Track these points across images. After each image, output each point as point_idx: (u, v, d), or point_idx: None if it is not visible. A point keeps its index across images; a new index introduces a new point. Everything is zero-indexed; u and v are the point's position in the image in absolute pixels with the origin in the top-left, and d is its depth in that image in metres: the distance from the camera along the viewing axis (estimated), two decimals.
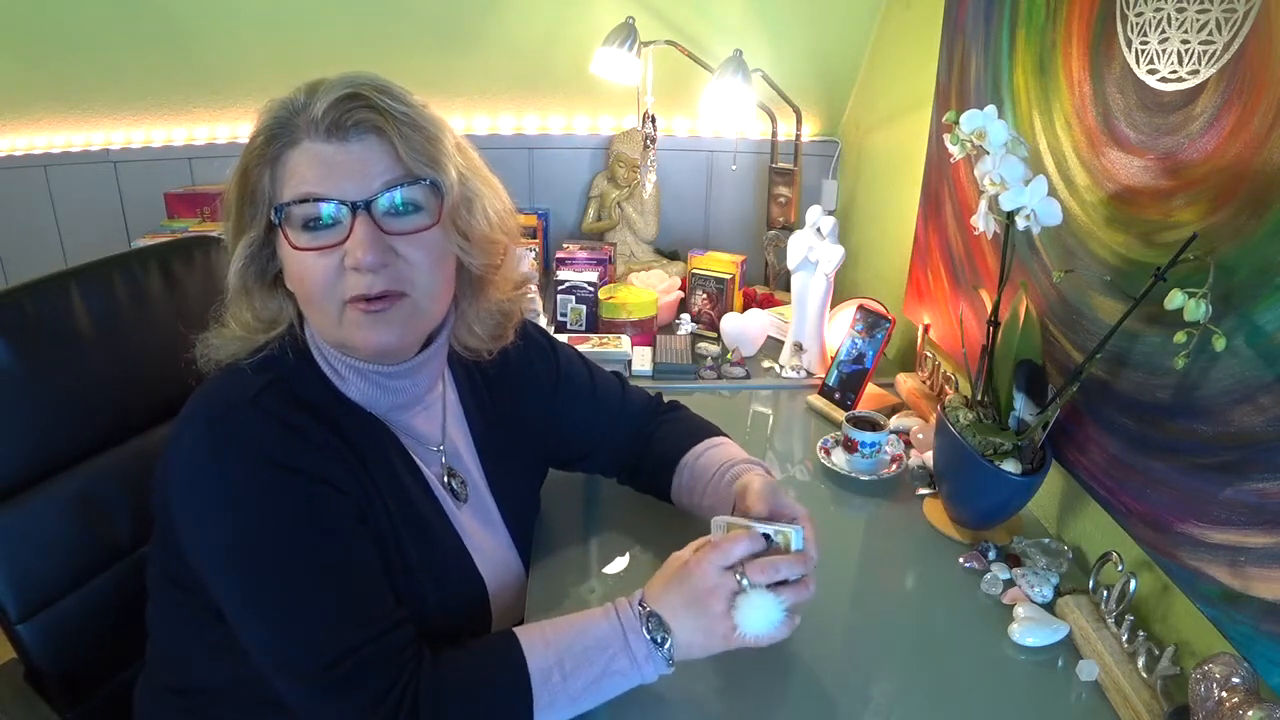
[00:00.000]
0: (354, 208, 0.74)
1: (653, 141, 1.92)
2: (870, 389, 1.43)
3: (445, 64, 2.04)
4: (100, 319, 1.00)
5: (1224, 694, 0.69)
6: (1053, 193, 1.01)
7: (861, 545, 1.12)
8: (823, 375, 1.50)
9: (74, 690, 0.97)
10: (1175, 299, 0.77)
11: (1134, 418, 0.91)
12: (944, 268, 1.41)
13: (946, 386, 1.38)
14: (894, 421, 1.33)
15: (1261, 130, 0.73)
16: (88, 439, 0.99)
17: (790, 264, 1.58)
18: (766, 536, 0.80)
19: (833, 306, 1.59)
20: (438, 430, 0.93)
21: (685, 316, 1.81)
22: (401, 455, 0.87)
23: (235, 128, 2.17)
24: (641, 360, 1.60)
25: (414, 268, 0.78)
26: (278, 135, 0.76)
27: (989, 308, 1.05)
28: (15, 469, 0.93)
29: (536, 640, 0.76)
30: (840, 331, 1.49)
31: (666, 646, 0.76)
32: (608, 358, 1.56)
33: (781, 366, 1.61)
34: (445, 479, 0.91)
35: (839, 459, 1.24)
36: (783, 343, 1.64)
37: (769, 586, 0.76)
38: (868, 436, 1.21)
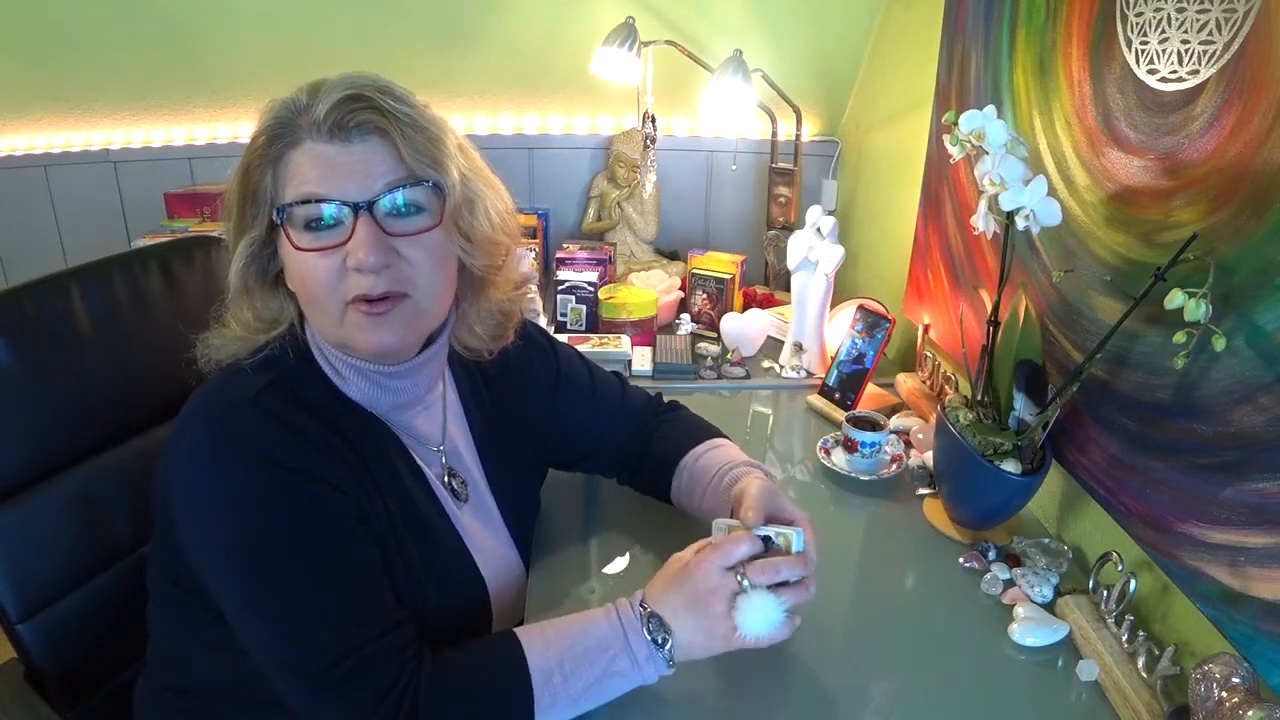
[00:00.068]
0: (356, 208, 0.74)
1: (653, 141, 1.92)
2: (870, 389, 1.43)
3: (445, 64, 2.04)
4: (100, 319, 1.00)
5: (1224, 694, 0.69)
6: (1053, 193, 1.01)
7: (861, 545, 1.12)
8: (823, 375, 1.50)
9: (74, 690, 0.97)
10: (1175, 299, 0.77)
11: (1134, 418, 0.91)
12: (944, 268, 1.41)
13: (946, 386, 1.38)
14: (894, 421, 1.33)
15: (1261, 130, 0.73)
16: (88, 439, 0.99)
17: (790, 264, 1.58)
18: (767, 539, 0.80)
19: (833, 306, 1.59)
20: (438, 430, 0.93)
21: (685, 316, 1.81)
22: (402, 455, 0.87)
23: (235, 128, 2.17)
24: (641, 360, 1.60)
25: (416, 269, 0.78)
26: (279, 135, 0.76)
27: (989, 308, 1.05)
28: (15, 469, 0.93)
29: (537, 641, 0.76)
30: (840, 331, 1.49)
31: (667, 647, 0.76)
32: (608, 358, 1.56)
33: (781, 366, 1.61)
34: (446, 479, 0.92)
35: (839, 459, 1.24)
36: (783, 343, 1.64)
37: (770, 588, 0.76)
38: (868, 436, 1.21)
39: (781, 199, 2.04)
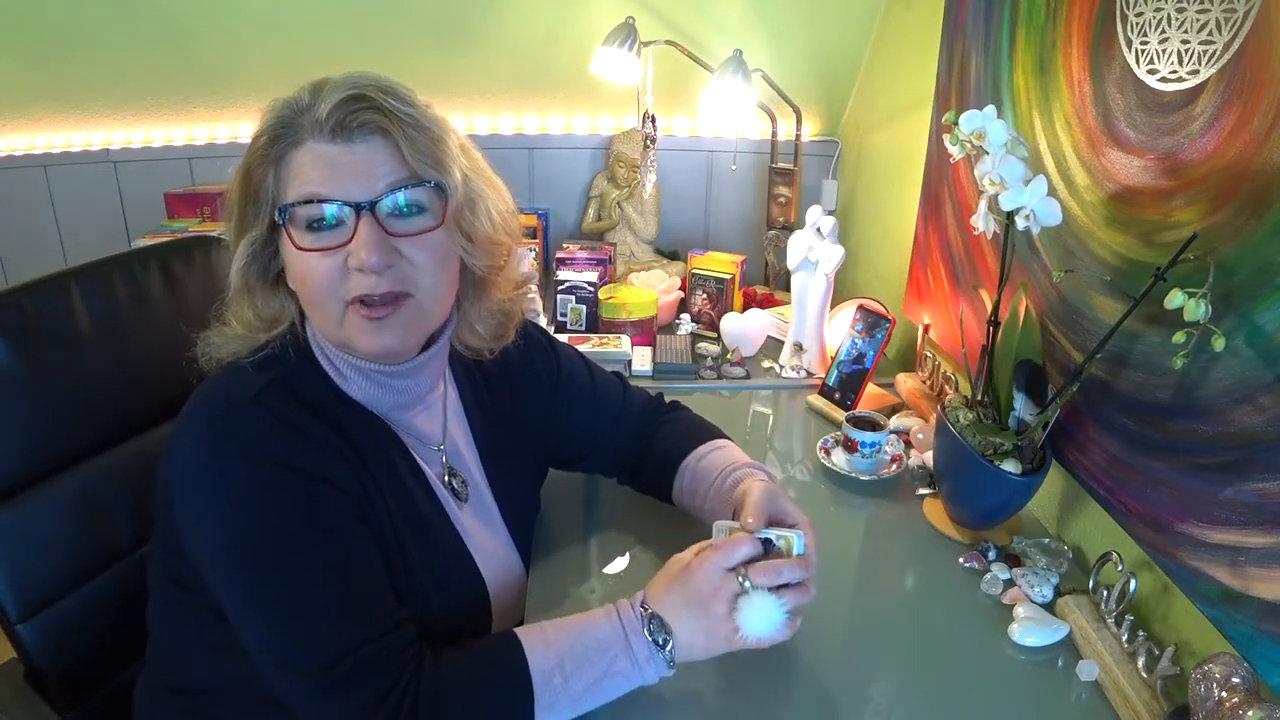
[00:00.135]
0: (358, 209, 0.74)
1: (653, 141, 1.92)
2: (870, 389, 1.43)
3: (445, 64, 2.04)
4: (100, 319, 1.00)
5: (1224, 694, 0.69)
6: (1053, 193, 1.01)
7: (861, 545, 1.12)
8: (823, 375, 1.50)
9: (74, 690, 0.97)
10: (1175, 299, 0.77)
11: (1134, 418, 0.91)
12: (944, 268, 1.41)
13: (946, 386, 1.38)
14: (894, 421, 1.33)
15: (1261, 130, 0.73)
16: (88, 439, 0.99)
17: (790, 264, 1.58)
18: (769, 541, 0.80)
19: (833, 306, 1.59)
20: (439, 429, 0.93)
21: (685, 316, 1.81)
22: (403, 455, 0.87)
23: (235, 128, 2.17)
24: (641, 360, 1.60)
25: (418, 269, 0.78)
26: (282, 135, 0.76)
27: (989, 308, 1.05)
28: (15, 469, 0.93)
29: (537, 641, 0.76)
30: (840, 331, 1.49)
31: (668, 648, 0.76)
32: (608, 358, 1.56)
33: (781, 366, 1.61)
34: (446, 478, 0.92)
35: (839, 459, 1.24)
36: (783, 343, 1.64)
37: (771, 589, 0.76)
38: (868, 436, 1.21)
39: (781, 199, 2.04)
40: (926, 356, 1.46)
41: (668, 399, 1.14)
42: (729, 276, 1.79)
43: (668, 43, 1.83)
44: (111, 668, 1.00)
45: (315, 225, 0.75)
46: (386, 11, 1.91)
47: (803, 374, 1.58)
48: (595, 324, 1.74)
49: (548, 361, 1.05)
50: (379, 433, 0.85)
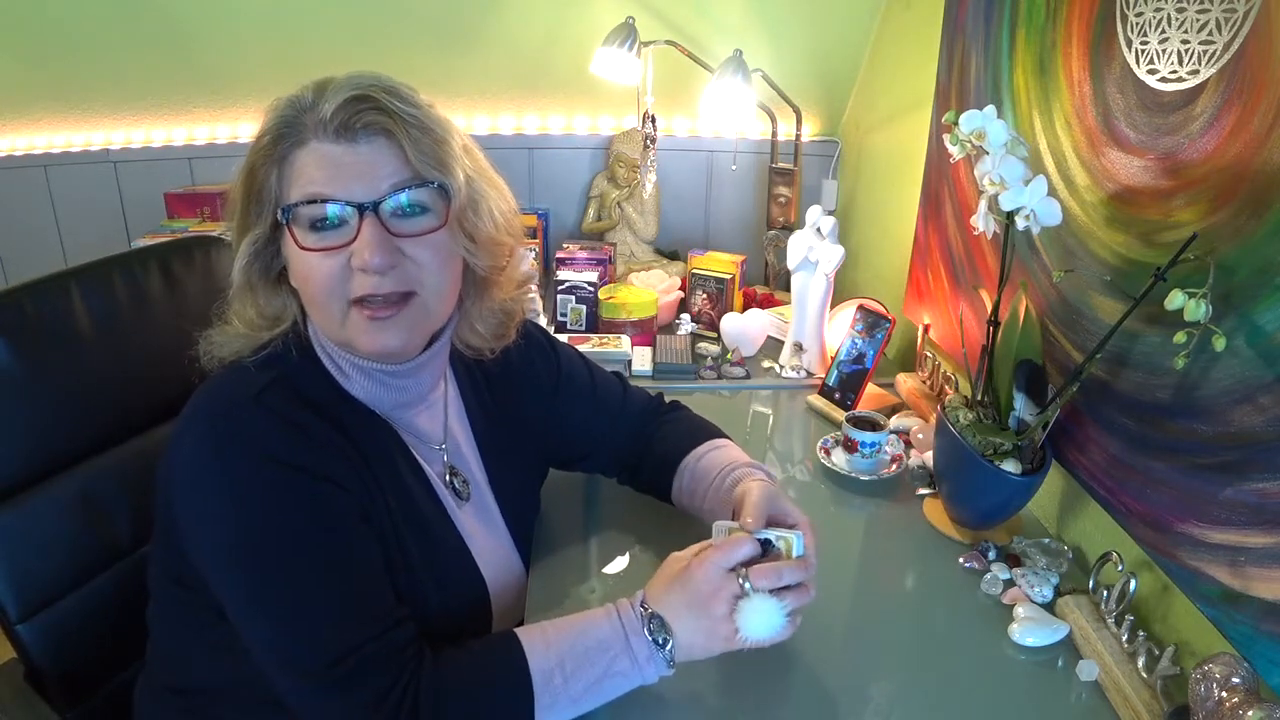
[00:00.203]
0: (361, 209, 0.75)
1: (653, 141, 1.92)
2: (870, 389, 1.43)
3: (445, 64, 2.04)
4: (100, 319, 1.00)
5: (1224, 694, 0.69)
6: (1053, 193, 1.01)
7: (861, 545, 1.12)
8: (823, 375, 1.50)
9: (74, 690, 0.97)
10: (1175, 299, 0.77)
11: (1134, 418, 0.91)
12: (944, 268, 1.41)
13: (946, 386, 1.38)
14: (894, 421, 1.33)
15: (1261, 130, 0.73)
16: (88, 439, 0.99)
17: (790, 264, 1.58)
18: (768, 542, 0.80)
19: (833, 306, 1.59)
20: (440, 429, 0.93)
21: (685, 316, 1.81)
22: (404, 454, 0.87)
23: (235, 128, 2.17)
24: (641, 360, 1.60)
25: (422, 268, 0.78)
26: (285, 135, 0.76)
27: (989, 308, 1.05)
28: (15, 469, 0.93)
29: (538, 641, 0.76)
30: (840, 331, 1.49)
31: (668, 648, 0.76)
32: (608, 358, 1.56)
33: (781, 366, 1.61)
34: (447, 477, 0.92)
35: (839, 459, 1.24)
36: (783, 343, 1.64)
37: (771, 591, 0.76)
38: (868, 436, 1.21)
39: (781, 199, 2.04)
40: (926, 356, 1.46)
41: (668, 399, 1.14)
42: (729, 276, 1.79)
43: (668, 43, 1.83)
44: (111, 668, 1.00)
45: (318, 225, 0.75)
46: (386, 11, 1.91)
47: (803, 374, 1.58)
48: (595, 324, 1.74)
49: (548, 361, 1.05)
50: (380, 432, 0.86)
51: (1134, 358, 0.91)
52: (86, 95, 2.05)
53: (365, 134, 0.75)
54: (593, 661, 0.75)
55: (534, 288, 1.53)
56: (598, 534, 1.09)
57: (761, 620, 0.75)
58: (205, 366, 0.82)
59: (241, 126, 2.16)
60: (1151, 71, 0.89)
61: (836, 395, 1.44)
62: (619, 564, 1.04)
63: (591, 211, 2.20)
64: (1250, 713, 0.66)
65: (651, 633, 0.76)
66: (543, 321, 1.72)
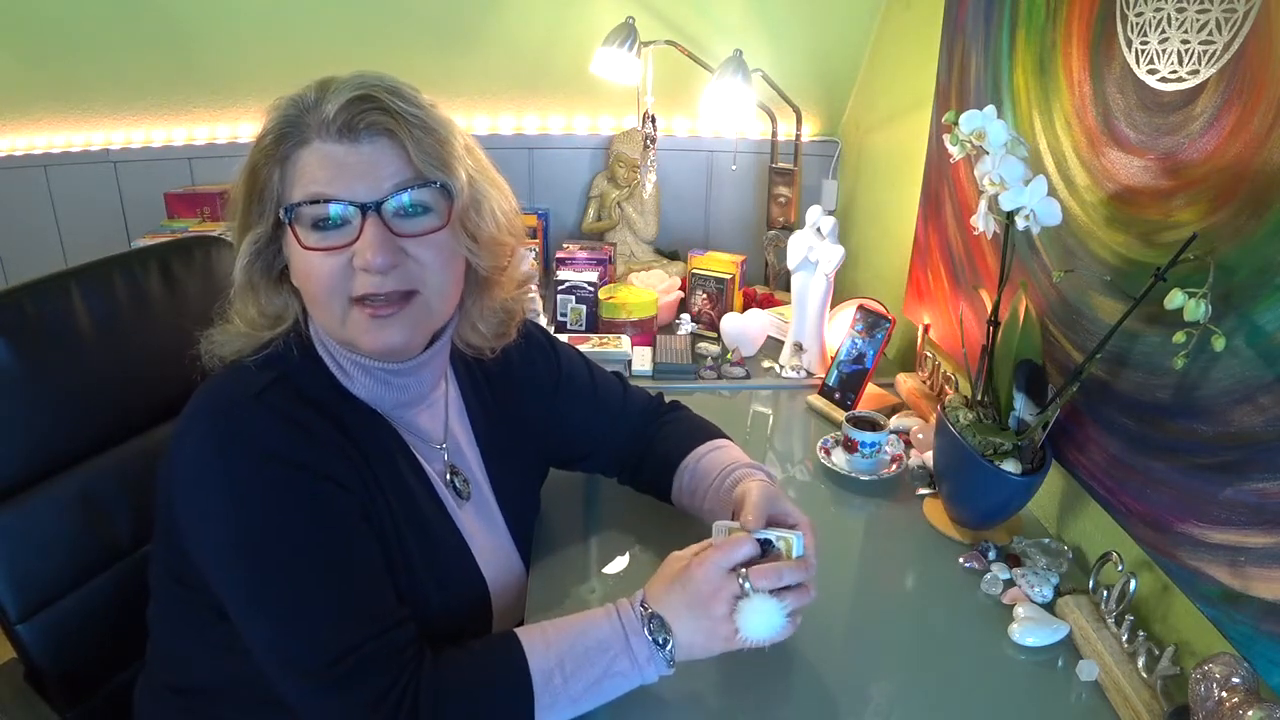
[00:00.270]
0: (364, 209, 0.75)
1: (653, 141, 1.92)
2: (870, 389, 1.43)
3: (445, 64, 2.04)
4: (100, 319, 1.00)
5: (1224, 694, 0.69)
6: (1053, 193, 1.01)
7: (861, 545, 1.12)
8: (823, 375, 1.50)
9: (74, 690, 0.97)
10: (1175, 299, 0.77)
11: (1134, 418, 0.91)
12: (944, 268, 1.41)
13: (946, 386, 1.38)
14: (894, 421, 1.33)
15: (1261, 130, 0.73)
16: (88, 439, 0.99)
17: (790, 264, 1.58)
18: (768, 542, 0.80)
19: (833, 306, 1.59)
20: (441, 428, 0.93)
21: (685, 316, 1.81)
22: (405, 453, 0.87)
23: (235, 128, 2.17)
24: (641, 360, 1.60)
25: (425, 267, 0.78)
26: (288, 134, 0.76)
27: (989, 308, 1.05)
28: (15, 469, 0.93)
29: (538, 641, 0.76)
30: (840, 331, 1.49)
31: (668, 648, 0.76)
32: (608, 358, 1.56)
33: (781, 366, 1.61)
34: (448, 477, 0.92)
35: (839, 459, 1.24)
36: (783, 343, 1.64)
37: (771, 591, 0.76)
38: (868, 436, 1.21)
39: (781, 199, 2.04)
40: (926, 356, 1.46)
41: (668, 399, 1.14)
42: (729, 276, 1.79)
43: (668, 43, 1.83)
44: (111, 668, 1.00)
45: (321, 225, 0.75)
46: (386, 11, 1.91)
47: (803, 374, 1.58)
48: (595, 324, 1.74)
49: (548, 361, 1.05)
50: (381, 431, 0.86)
51: (1134, 358, 0.91)
52: (86, 95, 2.05)
53: (368, 134, 0.75)
54: (593, 661, 0.75)
55: (534, 287, 1.53)
56: (598, 534, 1.09)
57: (761, 620, 0.75)
58: (207, 365, 0.82)
59: (241, 126, 2.16)
60: (1151, 71, 0.89)
61: (836, 395, 1.44)
62: (619, 564, 1.04)
63: (591, 211, 2.20)
64: (1250, 713, 0.66)
65: (651, 633, 0.76)
66: (543, 321, 1.72)
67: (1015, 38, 1.17)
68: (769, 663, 0.86)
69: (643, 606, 0.78)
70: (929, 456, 1.19)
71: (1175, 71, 0.85)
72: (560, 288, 1.74)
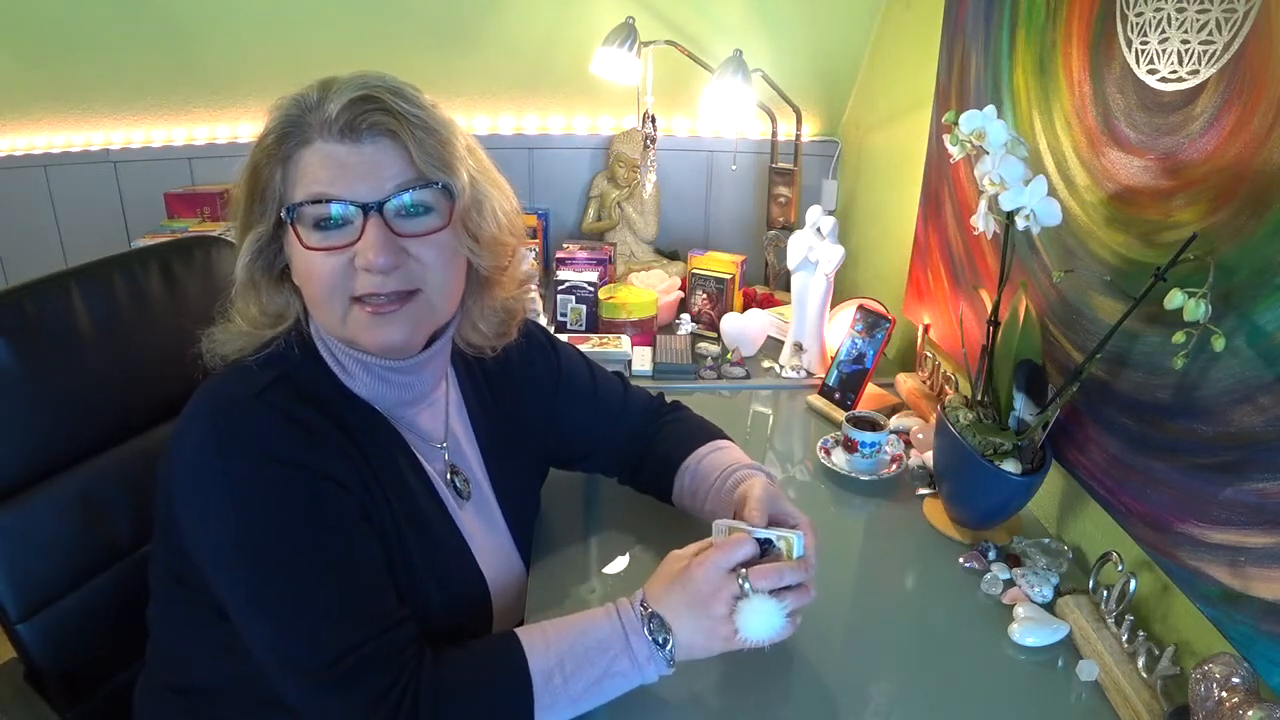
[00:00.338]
0: (365, 209, 0.75)
1: (653, 141, 1.92)
2: (870, 389, 1.43)
3: (445, 64, 2.04)
4: (100, 319, 1.00)
5: (1224, 694, 0.69)
6: (1053, 193, 1.01)
7: (861, 545, 1.12)
8: (823, 375, 1.50)
9: (74, 690, 0.97)
10: (1175, 299, 0.77)
11: (1134, 418, 0.91)
12: (944, 268, 1.41)
13: (946, 386, 1.38)
14: (894, 421, 1.33)
15: (1261, 130, 0.73)
16: (88, 439, 0.99)
17: (790, 264, 1.58)
18: (769, 542, 0.80)
19: (833, 306, 1.59)
20: (441, 427, 0.93)
21: (685, 316, 1.81)
22: (405, 453, 0.87)
23: (235, 128, 2.17)
24: (641, 360, 1.60)
25: (426, 268, 0.78)
26: (290, 134, 0.76)
27: (989, 308, 1.05)
28: (15, 469, 0.93)
29: (538, 641, 0.76)
30: (840, 331, 1.49)
31: (668, 648, 0.76)
32: (608, 358, 1.56)
33: (781, 366, 1.61)
34: (448, 476, 0.92)
35: (839, 459, 1.24)
36: (783, 343, 1.64)
37: (771, 592, 0.76)
38: (868, 436, 1.21)
39: (781, 199, 2.04)
40: (926, 356, 1.46)
41: (668, 399, 1.14)
42: (729, 276, 1.79)
43: (668, 43, 1.83)
44: (111, 668, 1.00)
45: (322, 224, 0.76)
46: (386, 11, 1.91)
47: (803, 374, 1.58)
48: (595, 324, 1.74)
49: (548, 360, 1.05)
50: (382, 430, 0.86)
51: (1134, 358, 0.91)
52: (86, 95, 2.05)
53: (370, 134, 0.75)
54: (592, 661, 0.75)
55: (534, 287, 1.53)
56: (598, 534, 1.09)
57: (761, 621, 0.75)
58: (208, 364, 0.82)
59: (241, 126, 2.16)
60: (1151, 71, 0.89)
61: (836, 395, 1.44)
62: (619, 564, 1.04)
63: (591, 211, 2.20)
64: (1250, 713, 0.66)
65: (651, 633, 0.76)
66: (543, 321, 1.72)
67: (1015, 38, 1.17)
68: (769, 663, 0.86)
69: (642, 606, 0.78)
70: (929, 456, 1.19)
71: (1175, 71, 0.85)
72: (560, 288, 1.74)
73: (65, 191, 2.14)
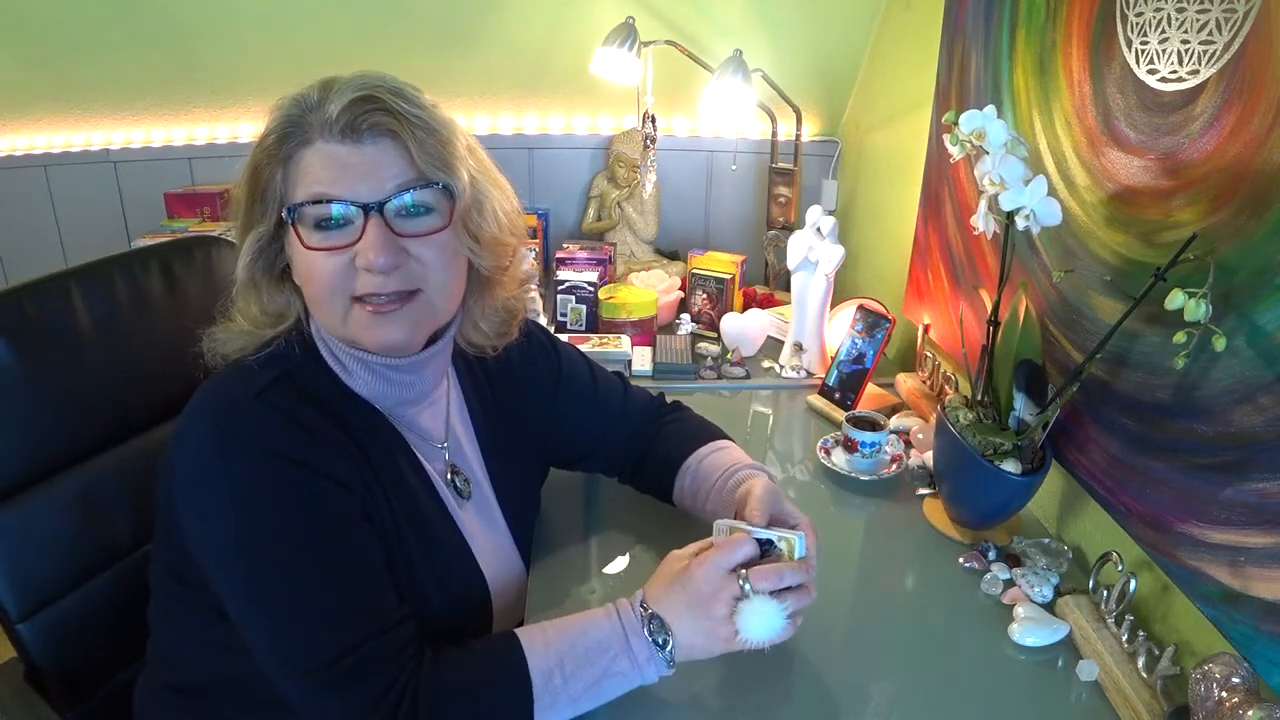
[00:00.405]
0: (366, 209, 0.75)
1: (653, 141, 1.92)
2: (870, 389, 1.43)
3: (445, 64, 2.04)
4: (100, 319, 1.00)
5: (1224, 694, 0.69)
6: (1053, 193, 1.01)
7: (861, 545, 1.12)
8: (823, 375, 1.50)
9: (74, 690, 0.97)
10: (1175, 299, 0.77)
11: (1134, 418, 0.91)
12: (944, 268, 1.41)
13: (946, 386, 1.38)
14: (894, 421, 1.33)
15: (1261, 130, 0.73)
16: (88, 439, 0.99)
17: (790, 264, 1.58)
18: (770, 542, 0.80)
19: (833, 306, 1.59)
20: (442, 427, 0.93)
21: (685, 316, 1.81)
22: (405, 452, 0.87)
23: (235, 128, 2.17)
24: (641, 360, 1.60)
25: (427, 267, 0.78)
26: (291, 134, 0.76)
27: (989, 308, 1.05)
28: (15, 469, 0.93)
29: (537, 641, 0.76)
30: (840, 331, 1.49)
31: (668, 648, 0.76)
32: (608, 358, 1.56)
33: (781, 366, 1.61)
34: (449, 476, 0.92)
35: (839, 459, 1.24)
36: (783, 343, 1.64)
37: (772, 593, 0.76)
38: (868, 436, 1.21)
39: (781, 199, 2.04)
40: (926, 356, 1.46)
41: (668, 399, 1.14)
42: (729, 276, 1.79)
43: (668, 43, 1.83)
44: (111, 667, 1.00)
45: (323, 225, 0.76)
46: (386, 11, 1.91)
47: (803, 374, 1.58)
48: (595, 324, 1.74)
49: (549, 360, 1.05)
50: (383, 430, 0.86)
51: (1134, 358, 0.91)
52: (86, 95, 2.05)
53: (370, 134, 0.75)
54: (592, 662, 0.75)
55: (534, 287, 1.53)
56: (598, 534, 1.09)
57: (761, 622, 0.75)
58: (209, 363, 0.82)
59: (241, 126, 2.16)
60: (1151, 71, 0.89)
61: (836, 395, 1.44)
62: (619, 564, 1.04)
63: (591, 211, 2.20)
64: (1250, 713, 0.66)
65: (651, 633, 0.76)
66: (543, 321, 1.72)
67: (1015, 38, 1.17)
68: (769, 663, 0.86)
69: (642, 607, 0.78)
70: (929, 456, 1.19)
71: (1175, 71, 0.85)
72: (560, 288, 1.74)
73: (65, 191, 2.14)
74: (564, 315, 1.75)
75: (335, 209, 0.75)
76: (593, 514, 1.14)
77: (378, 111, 0.75)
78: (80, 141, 2.14)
